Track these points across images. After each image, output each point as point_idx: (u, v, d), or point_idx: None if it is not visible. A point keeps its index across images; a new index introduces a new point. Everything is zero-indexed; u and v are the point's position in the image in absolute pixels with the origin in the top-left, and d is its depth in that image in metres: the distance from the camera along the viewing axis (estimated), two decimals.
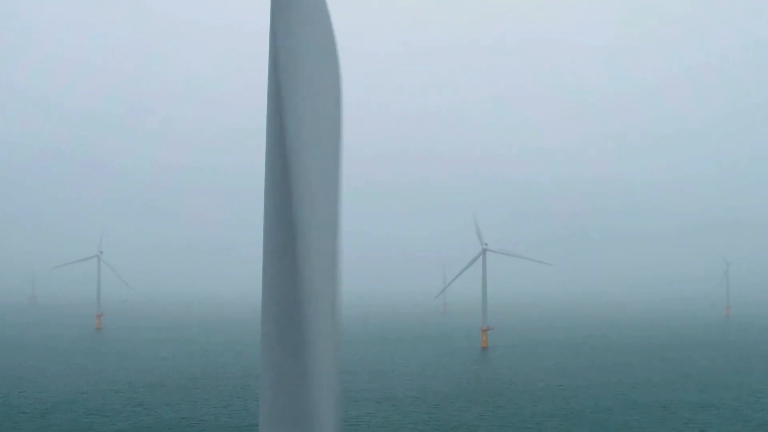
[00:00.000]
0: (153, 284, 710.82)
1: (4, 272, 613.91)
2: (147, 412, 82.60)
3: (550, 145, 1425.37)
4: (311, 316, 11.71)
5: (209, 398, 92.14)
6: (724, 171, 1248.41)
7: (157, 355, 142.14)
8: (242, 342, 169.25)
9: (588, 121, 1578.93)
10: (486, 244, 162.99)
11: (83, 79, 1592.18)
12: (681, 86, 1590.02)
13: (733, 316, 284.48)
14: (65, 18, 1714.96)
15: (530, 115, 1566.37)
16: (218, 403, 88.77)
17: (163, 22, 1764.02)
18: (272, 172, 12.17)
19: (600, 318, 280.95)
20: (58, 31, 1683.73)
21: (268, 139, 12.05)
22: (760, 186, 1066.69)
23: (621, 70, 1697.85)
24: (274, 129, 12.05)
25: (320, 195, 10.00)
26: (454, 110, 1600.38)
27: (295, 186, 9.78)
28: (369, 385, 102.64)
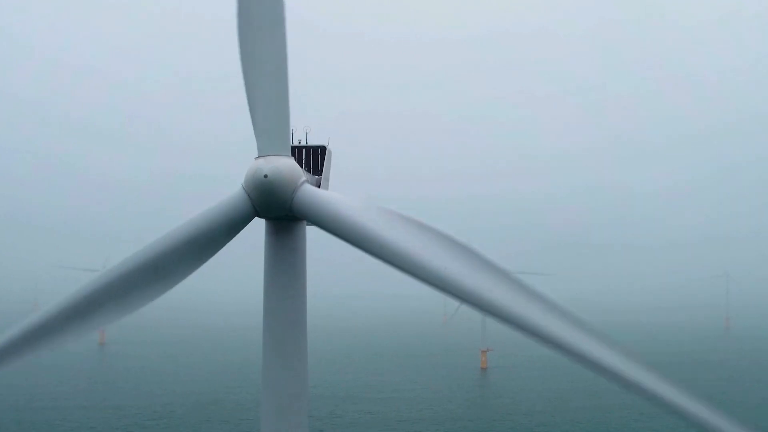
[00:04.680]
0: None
1: (5, 281, 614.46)
2: None
3: (548, 151, 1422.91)
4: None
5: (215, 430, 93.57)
6: (726, 177, 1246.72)
7: (161, 377, 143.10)
8: (246, 361, 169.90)
9: (586, 123, 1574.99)
10: None
11: (81, 85, 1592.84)
12: (680, 89, 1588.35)
13: (732, 328, 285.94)
14: (63, 24, 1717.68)
15: (527, 117, 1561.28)
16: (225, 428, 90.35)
17: (160, 29, 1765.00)
18: None
19: (600, 330, 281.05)
20: (57, 37, 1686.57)
21: None
22: (761, 191, 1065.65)
23: (618, 69, 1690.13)
24: None
25: None
26: (448, 112, 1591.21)
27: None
28: (366, 416, 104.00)
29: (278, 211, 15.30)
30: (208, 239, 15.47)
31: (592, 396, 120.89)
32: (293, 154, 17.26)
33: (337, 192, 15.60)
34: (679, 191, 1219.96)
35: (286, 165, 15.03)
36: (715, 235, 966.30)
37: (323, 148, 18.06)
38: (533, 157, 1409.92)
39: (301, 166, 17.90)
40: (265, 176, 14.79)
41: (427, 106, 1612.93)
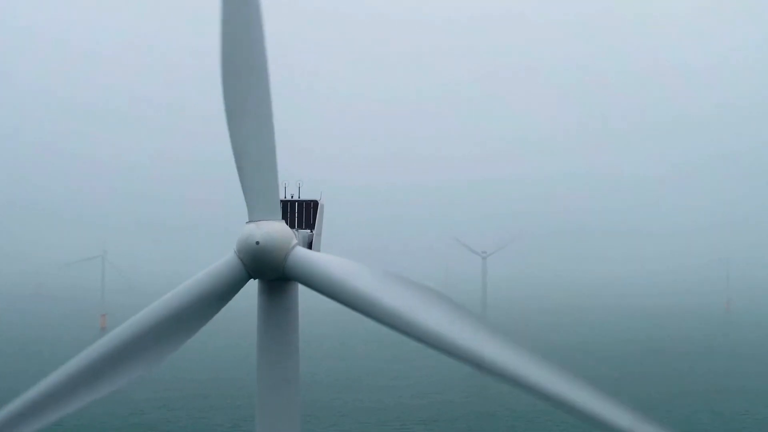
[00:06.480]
0: (158, 281, 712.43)
1: (9, 264, 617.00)
2: None
3: (538, 136, 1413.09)
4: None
5: (217, 422, 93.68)
6: (724, 161, 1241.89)
7: (163, 365, 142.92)
8: (245, 352, 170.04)
9: (573, 106, 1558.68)
10: (484, 252, 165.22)
11: (87, 70, 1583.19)
12: (671, 74, 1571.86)
13: (732, 312, 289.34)
14: (69, 8, 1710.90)
15: (512, 99, 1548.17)
16: (225, 420, 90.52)
17: (168, 11, 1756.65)
18: None
19: (601, 315, 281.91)
20: (62, 21, 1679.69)
21: None
22: (759, 176, 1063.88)
23: (606, 54, 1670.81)
24: None
25: None
26: (433, 96, 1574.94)
27: None
28: (364, 405, 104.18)
29: (271, 275, 15.72)
30: (204, 305, 15.85)
31: (591, 386, 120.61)
32: (284, 209, 17.79)
33: (329, 254, 16.08)
34: (674, 176, 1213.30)
35: (278, 230, 15.41)
36: (715, 220, 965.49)
37: (315, 203, 18.24)
38: (519, 141, 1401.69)
39: (293, 221, 18.08)
40: (257, 243, 15.08)
41: (404, 88, 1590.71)
